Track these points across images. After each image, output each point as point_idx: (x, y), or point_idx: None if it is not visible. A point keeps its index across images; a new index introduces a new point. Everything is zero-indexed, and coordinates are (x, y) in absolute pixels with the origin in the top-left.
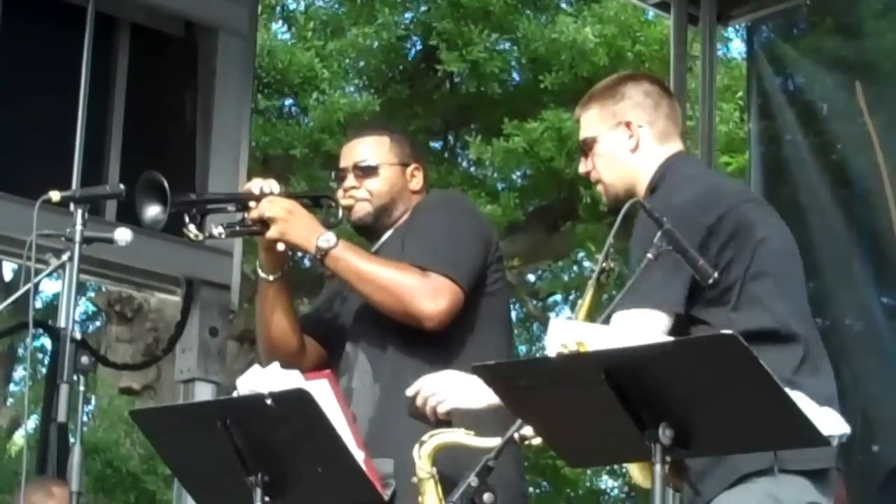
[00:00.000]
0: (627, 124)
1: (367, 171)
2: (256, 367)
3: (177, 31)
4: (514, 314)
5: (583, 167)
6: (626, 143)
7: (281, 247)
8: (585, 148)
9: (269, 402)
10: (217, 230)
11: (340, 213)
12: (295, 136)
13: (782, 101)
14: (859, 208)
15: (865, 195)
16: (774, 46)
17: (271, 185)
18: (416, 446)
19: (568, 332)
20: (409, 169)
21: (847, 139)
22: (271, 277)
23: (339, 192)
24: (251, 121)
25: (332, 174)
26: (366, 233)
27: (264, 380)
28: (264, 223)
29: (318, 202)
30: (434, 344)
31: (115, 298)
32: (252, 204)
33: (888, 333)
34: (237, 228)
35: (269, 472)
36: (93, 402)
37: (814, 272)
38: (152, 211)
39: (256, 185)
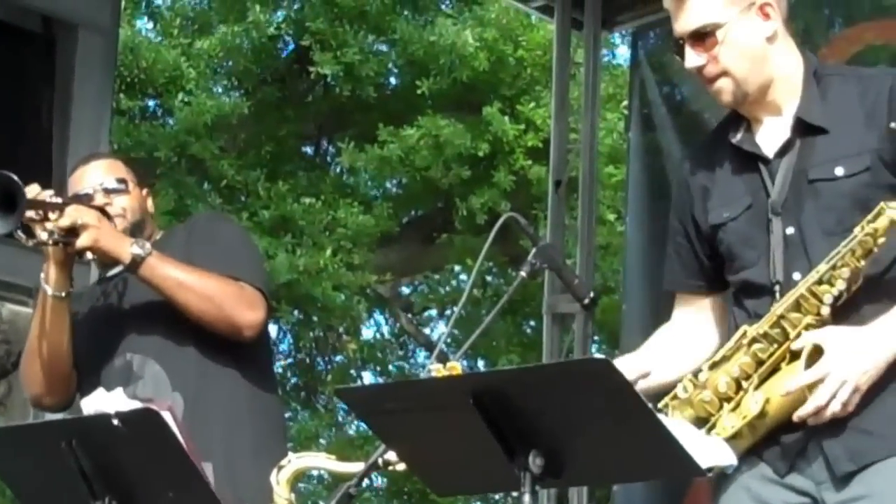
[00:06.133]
0: (762, 8)
1: (115, 191)
2: (101, 389)
3: (34, 26)
4: (386, 330)
5: (695, 60)
6: (762, 30)
7: (89, 255)
8: (700, 37)
9: (115, 422)
10: (44, 235)
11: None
12: (159, 139)
13: (666, 112)
14: None
15: None
16: (661, 53)
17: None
18: (275, 471)
19: None
20: (144, 191)
21: None
22: (63, 294)
23: None
24: (112, 122)
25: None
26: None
27: (109, 403)
28: (73, 231)
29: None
30: (230, 349)
31: None
32: (53, 214)
33: None
34: (56, 236)
35: (118, 496)
36: None
37: None
38: None
39: (34, 190)
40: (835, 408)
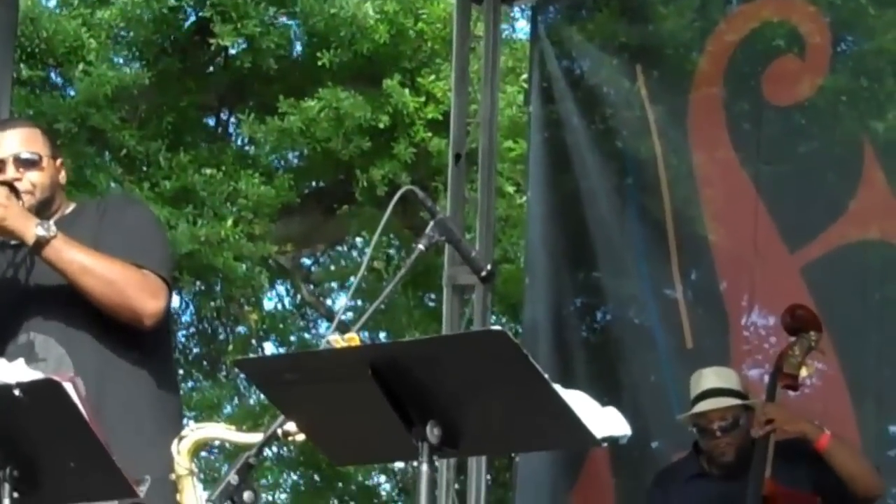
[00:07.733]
0: None
1: (28, 164)
2: (3, 360)
3: None
4: (287, 301)
5: None
6: None
7: None
8: None
9: (17, 392)
10: None
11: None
12: (59, 110)
13: (566, 86)
14: (636, 199)
15: (643, 187)
16: (560, 28)
17: None
18: (176, 441)
19: None
20: (58, 162)
21: (630, 127)
22: None
23: None
24: (12, 92)
25: None
26: None
27: (10, 373)
28: None
29: None
30: (132, 337)
31: None
32: None
33: (661, 327)
34: None
35: (19, 466)
36: None
37: (593, 262)
38: None
39: None
40: None
